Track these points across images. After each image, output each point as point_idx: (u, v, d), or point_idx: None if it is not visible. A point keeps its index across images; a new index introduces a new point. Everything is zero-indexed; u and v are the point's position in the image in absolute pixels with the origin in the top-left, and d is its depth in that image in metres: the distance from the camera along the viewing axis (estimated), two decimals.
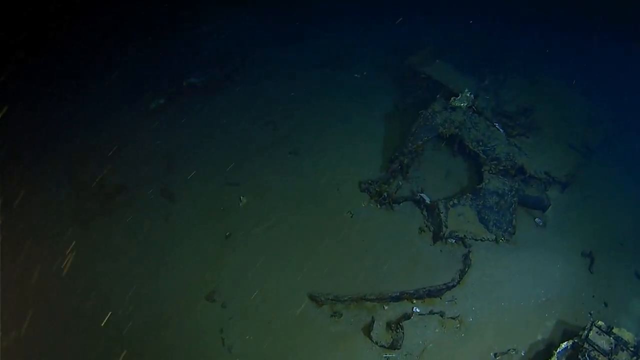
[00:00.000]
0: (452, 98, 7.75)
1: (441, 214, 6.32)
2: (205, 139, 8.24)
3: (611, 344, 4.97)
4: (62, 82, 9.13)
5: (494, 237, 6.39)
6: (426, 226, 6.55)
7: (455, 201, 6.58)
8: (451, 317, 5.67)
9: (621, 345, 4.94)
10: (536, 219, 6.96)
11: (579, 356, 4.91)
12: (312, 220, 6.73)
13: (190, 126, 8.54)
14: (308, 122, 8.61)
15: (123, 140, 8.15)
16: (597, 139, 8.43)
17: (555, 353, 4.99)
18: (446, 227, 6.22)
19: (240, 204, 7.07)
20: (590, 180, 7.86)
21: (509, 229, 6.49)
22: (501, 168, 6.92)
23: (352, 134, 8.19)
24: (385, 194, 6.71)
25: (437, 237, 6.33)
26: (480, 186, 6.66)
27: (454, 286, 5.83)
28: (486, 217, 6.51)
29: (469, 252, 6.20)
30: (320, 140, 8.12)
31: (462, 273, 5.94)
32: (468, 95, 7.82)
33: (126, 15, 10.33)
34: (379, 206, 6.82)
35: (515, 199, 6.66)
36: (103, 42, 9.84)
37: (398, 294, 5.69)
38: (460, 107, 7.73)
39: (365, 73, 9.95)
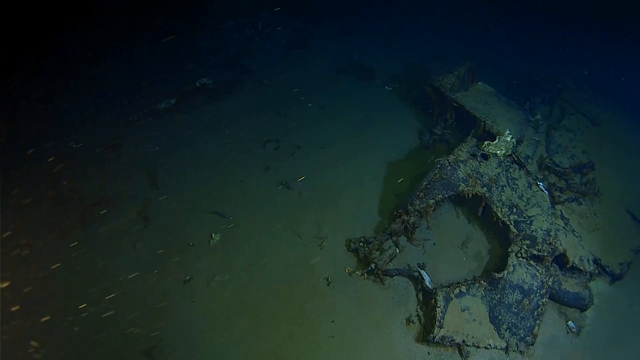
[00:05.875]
0: (485, 142, 6.03)
1: (437, 308, 4.85)
2: (201, 153, 7.31)
3: None
4: (57, 80, 8.33)
5: (504, 344, 4.89)
6: (417, 316, 5.13)
7: (463, 289, 5.07)
8: None
9: None
10: (569, 322, 5.33)
11: None
12: (279, 281, 5.49)
13: (189, 136, 7.69)
14: (313, 145, 7.33)
15: (119, 144, 7.49)
16: None
17: None
18: (440, 327, 4.77)
19: (211, 242, 5.98)
20: None
21: (528, 337, 4.94)
22: (535, 253, 5.25)
23: (358, 171, 6.79)
24: (374, 264, 5.30)
25: (426, 335, 4.90)
26: (501, 275, 5.07)
27: None
28: (500, 317, 4.98)
29: None
30: (320, 173, 6.81)
31: None
32: (509, 139, 6.07)
33: (144, 10, 9.32)
34: (365, 276, 5.43)
35: (544, 299, 5.05)
36: (110, 38, 8.88)
37: None
38: (495, 154, 6.01)
39: (397, 86, 8.36)
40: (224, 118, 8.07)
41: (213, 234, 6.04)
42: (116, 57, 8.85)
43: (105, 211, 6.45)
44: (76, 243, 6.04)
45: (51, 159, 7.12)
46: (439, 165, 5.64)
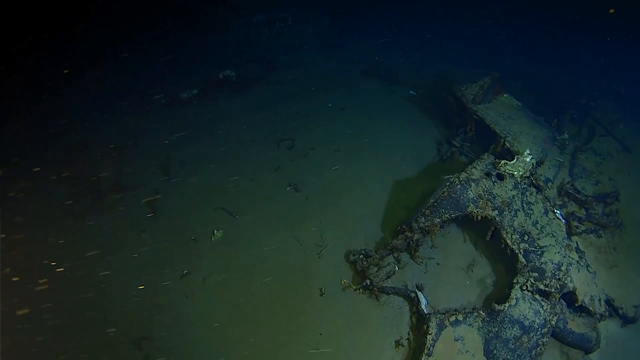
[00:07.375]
0: (502, 161, 5.66)
1: (429, 335, 4.63)
2: (215, 148, 7.30)
3: None
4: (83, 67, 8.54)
5: None
6: (407, 339, 4.92)
7: (460, 318, 4.82)
8: None
9: None
10: None
11: None
12: (272, 286, 5.38)
13: (206, 129, 7.73)
14: (327, 148, 7.17)
15: (140, 131, 7.65)
16: None
17: None
18: (428, 355, 4.56)
19: (212, 239, 5.92)
20: None
21: None
22: (541, 287, 4.93)
23: (371, 178, 6.57)
24: (369, 280, 5.10)
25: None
26: (502, 308, 4.79)
27: None
28: (495, 351, 4.71)
29: None
30: (331, 177, 6.65)
31: None
32: (527, 159, 5.68)
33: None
34: (360, 291, 5.25)
35: (545, 339, 4.74)
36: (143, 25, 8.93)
37: None
38: (512, 174, 5.65)
39: (421, 91, 8.06)
40: (241, 113, 8.03)
41: (215, 231, 5.98)
42: (134, 49, 8.93)
43: (115, 199, 6.53)
44: (82, 230, 6.12)
45: (55, 153, 7.29)
46: (448, 183, 5.34)
